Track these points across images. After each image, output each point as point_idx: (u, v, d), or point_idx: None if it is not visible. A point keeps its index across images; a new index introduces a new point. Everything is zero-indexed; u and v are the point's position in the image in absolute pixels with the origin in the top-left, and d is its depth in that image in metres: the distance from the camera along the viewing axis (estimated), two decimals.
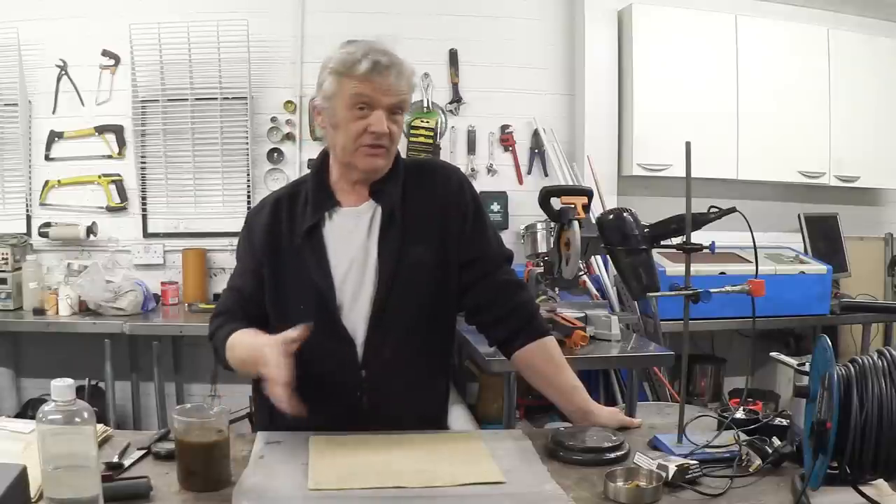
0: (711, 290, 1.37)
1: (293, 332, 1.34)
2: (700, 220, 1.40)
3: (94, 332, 3.21)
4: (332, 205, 1.58)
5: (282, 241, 1.58)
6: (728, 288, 1.39)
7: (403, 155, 1.65)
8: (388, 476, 1.23)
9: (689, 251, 1.40)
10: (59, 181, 3.67)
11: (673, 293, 1.41)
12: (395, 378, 1.54)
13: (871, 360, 1.09)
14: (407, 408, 1.56)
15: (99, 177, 3.69)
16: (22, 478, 0.94)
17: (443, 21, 3.83)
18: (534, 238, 3.43)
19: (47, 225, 3.60)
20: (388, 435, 1.44)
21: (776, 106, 3.81)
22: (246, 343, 1.46)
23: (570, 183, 3.73)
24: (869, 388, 1.06)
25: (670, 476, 1.20)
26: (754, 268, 1.42)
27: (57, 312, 3.29)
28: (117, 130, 3.68)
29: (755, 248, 1.50)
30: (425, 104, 3.83)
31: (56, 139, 3.67)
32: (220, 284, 3.69)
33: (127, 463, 1.29)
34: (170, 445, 1.29)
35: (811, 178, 3.94)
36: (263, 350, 1.34)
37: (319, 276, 1.53)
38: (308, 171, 1.64)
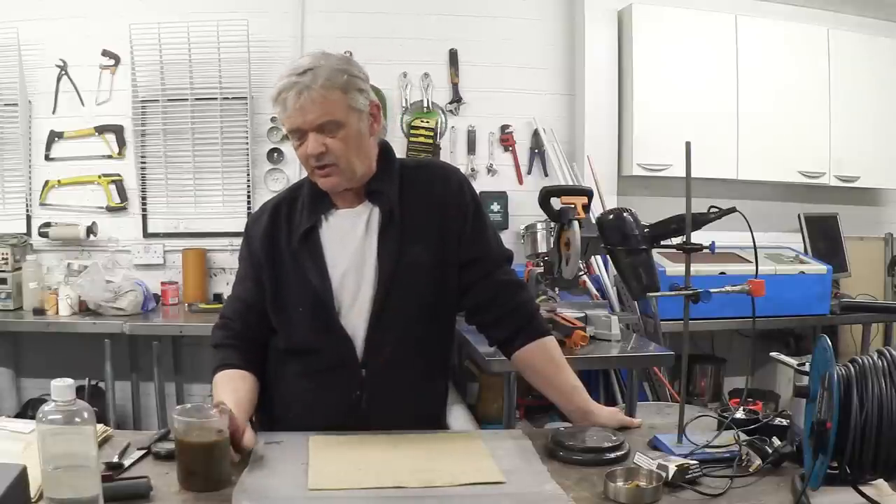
0: (711, 290, 1.37)
1: (249, 441, 1.33)
2: (700, 220, 1.40)
3: (94, 332, 3.21)
4: (328, 207, 1.58)
5: (280, 247, 1.58)
6: (728, 288, 1.39)
7: (403, 155, 1.65)
8: (388, 476, 1.23)
9: (689, 251, 1.40)
10: (59, 181, 3.67)
11: (673, 293, 1.41)
12: (394, 377, 1.54)
13: (871, 360, 1.09)
14: (406, 407, 1.56)
15: (99, 177, 3.69)
16: (22, 478, 0.94)
17: (443, 21, 3.83)
18: (534, 238, 3.43)
19: (47, 225, 3.60)
20: (388, 435, 1.44)
21: (776, 106, 3.81)
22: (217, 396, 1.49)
23: (570, 183, 3.73)
24: (869, 388, 1.06)
25: (670, 476, 1.20)
26: (754, 268, 1.42)
27: (57, 312, 3.29)
28: (117, 130, 3.68)
29: (755, 248, 1.50)
30: (425, 104, 3.82)
31: (56, 139, 3.66)
32: (220, 284, 3.69)
33: (127, 463, 1.29)
34: (170, 445, 1.29)
35: (811, 178, 3.94)
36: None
37: (317, 279, 1.53)
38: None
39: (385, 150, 1.62)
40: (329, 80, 1.44)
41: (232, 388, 1.49)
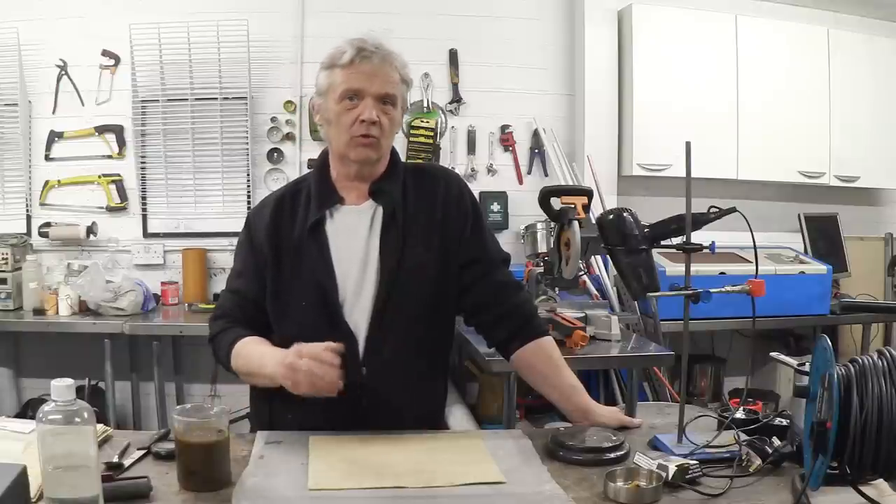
0: (711, 290, 1.37)
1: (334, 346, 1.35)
2: (700, 220, 1.40)
3: (94, 332, 3.21)
4: (335, 201, 1.58)
5: (284, 239, 1.58)
6: (728, 288, 1.39)
7: (403, 155, 1.66)
8: (388, 476, 1.23)
9: (689, 251, 1.40)
10: (59, 181, 3.67)
11: (673, 293, 1.41)
12: (394, 377, 1.54)
13: (871, 360, 1.09)
14: (405, 407, 1.56)
15: (99, 177, 3.69)
16: (22, 478, 0.94)
17: (443, 21, 3.83)
18: (534, 238, 3.43)
19: (47, 225, 3.60)
20: (388, 435, 1.44)
21: (776, 106, 3.81)
22: (265, 352, 1.46)
23: (570, 183, 3.73)
24: (869, 388, 1.06)
25: (670, 476, 1.20)
26: (754, 268, 1.42)
27: (57, 312, 3.29)
28: (117, 130, 3.68)
29: (755, 248, 1.49)
30: (425, 104, 3.82)
31: (56, 139, 3.66)
32: (220, 284, 3.65)
33: (127, 463, 1.29)
34: (170, 445, 1.29)
35: (811, 178, 3.94)
36: (303, 349, 1.35)
37: (322, 272, 1.53)
38: (308, 170, 1.65)
39: (392, 151, 1.64)
40: (402, 65, 1.55)
41: (261, 341, 1.50)
